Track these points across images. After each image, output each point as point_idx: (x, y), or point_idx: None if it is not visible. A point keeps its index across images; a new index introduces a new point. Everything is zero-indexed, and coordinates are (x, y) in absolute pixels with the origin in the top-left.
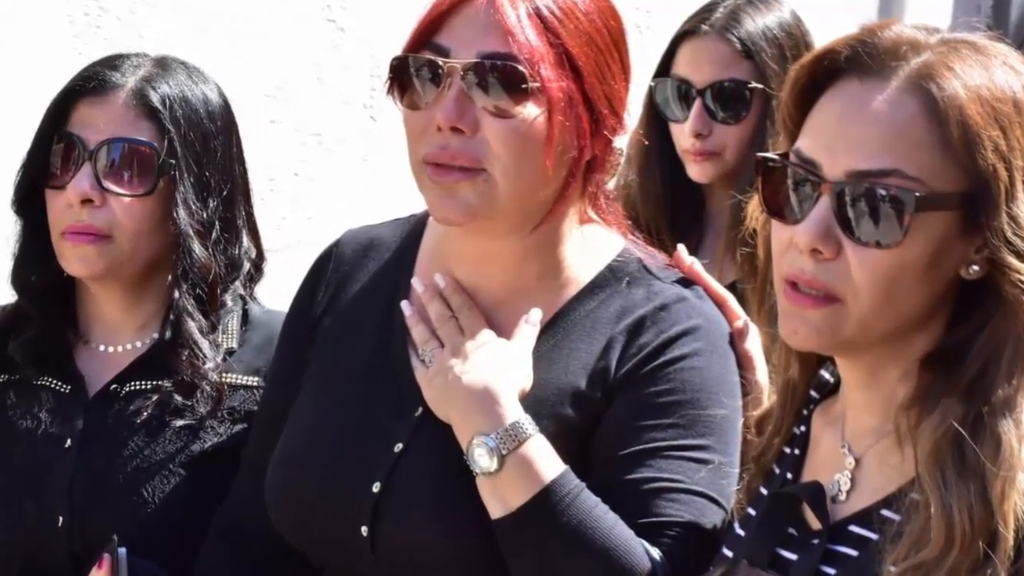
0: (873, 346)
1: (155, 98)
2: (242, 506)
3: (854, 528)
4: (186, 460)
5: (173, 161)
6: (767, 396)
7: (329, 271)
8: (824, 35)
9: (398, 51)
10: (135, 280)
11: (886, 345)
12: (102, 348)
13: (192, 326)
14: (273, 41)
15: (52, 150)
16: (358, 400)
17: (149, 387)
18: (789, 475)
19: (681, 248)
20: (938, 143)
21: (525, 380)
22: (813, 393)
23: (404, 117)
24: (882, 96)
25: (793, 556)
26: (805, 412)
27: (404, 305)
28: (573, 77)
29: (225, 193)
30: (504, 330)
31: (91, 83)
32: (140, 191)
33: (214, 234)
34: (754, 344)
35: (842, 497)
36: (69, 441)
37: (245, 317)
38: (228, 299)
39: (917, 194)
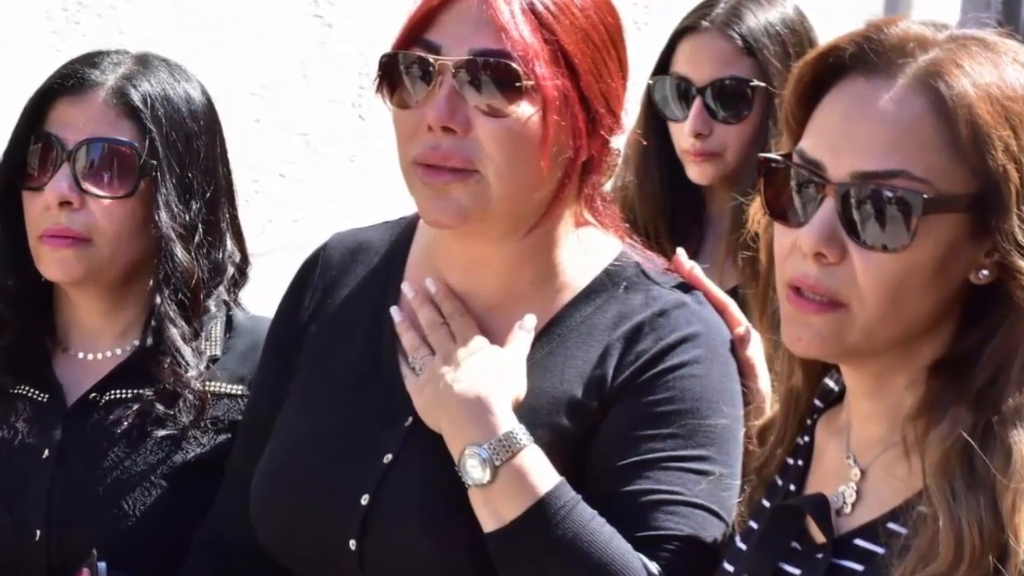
0: (879, 353)
1: (136, 97)
2: (226, 519)
3: (859, 542)
4: (168, 471)
5: (154, 162)
6: (769, 405)
7: (316, 276)
8: (828, 31)
9: (387, 48)
10: (115, 285)
11: (893, 352)
12: (81, 355)
13: (174, 333)
14: (258, 38)
15: (29, 150)
16: (346, 409)
17: (130, 396)
18: (792, 487)
19: (680, 252)
20: (946, 143)
21: (519, 388)
22: (817, 402)
23: (394, 116)
24: (888, 95)
25: (796, 571)
26: (809, 422)
27: (394, 311)
28: (569, 75)
29: (208, 195)
30: (497, 337)
31: (70, 81)
32: (120, 193)
33: (197, 237)
34: (756, 351)
35: (847, 510)
36: (47, 452)
37: (229, 323)
38: (211, 305)
39: (925, 196)
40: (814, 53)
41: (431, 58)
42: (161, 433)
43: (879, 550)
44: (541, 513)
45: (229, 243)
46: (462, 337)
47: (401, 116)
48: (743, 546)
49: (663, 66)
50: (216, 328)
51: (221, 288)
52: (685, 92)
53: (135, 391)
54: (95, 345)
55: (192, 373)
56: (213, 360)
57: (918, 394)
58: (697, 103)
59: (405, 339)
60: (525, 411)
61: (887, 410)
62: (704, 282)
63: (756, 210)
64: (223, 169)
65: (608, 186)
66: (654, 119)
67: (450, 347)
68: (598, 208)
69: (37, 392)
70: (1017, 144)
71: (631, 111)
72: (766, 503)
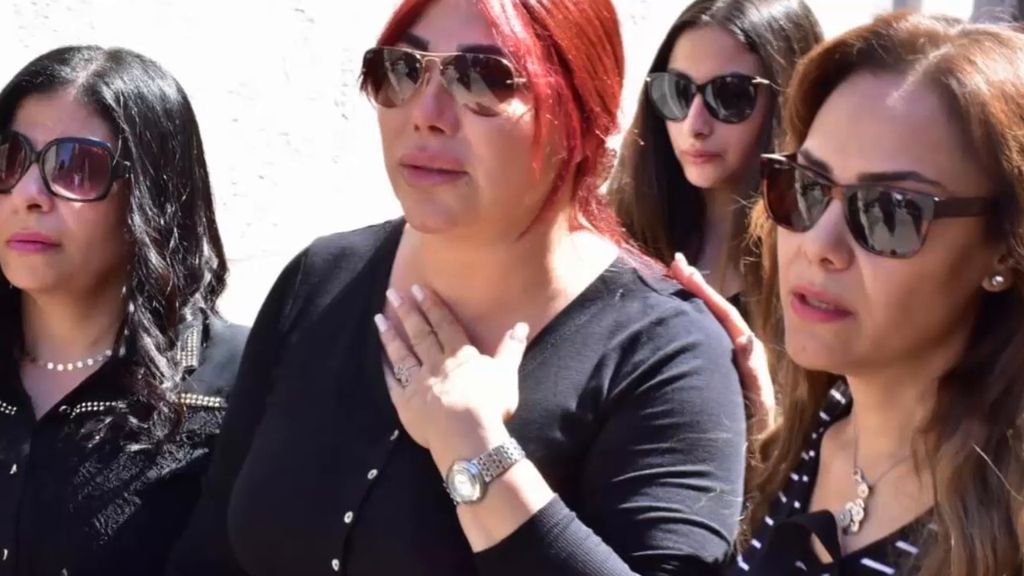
0: (888, 364)
1: (108, 95)
2: (202, 537)
3: (867, 562)
4: (142, 488)
5: (128, 163)
6: (773, 418)
7: (297, 283)
8: (835, 27)
9: (372, 43)
10: (86, 292)
11: (902, 363)
12: (51, 366)
13: (148, 342)
14: (237, 33)
15: None
16: (329, 423)
17: (102, 408)
18: (797, 504)
19: (680, 258)
20: (959, 143)
21: (510, 401)
22: (823, 415)
23: (379, 115)
24: (898, 92)
25: None
26: (814, 436)
27: (379, 319)
28: (562, 72)
29: (184, 198)
30: (487, 346)
31: (39, 78)
32: (92, 195)
33: (172, 242)
34: (759, 362)
35: (854, 528)
36: (15, 467)
37: (206, 332)
38: (187, 313)
39: (936, 199)
40: (820, 49)
41: (418, 54)
42: (135, 447)
43: (888, 570)
44: (533, 531)
45: (206, 248)
46: (450, 347)
47: (387, 115)
48: (745, 566)
49: (661, 62)
50: (192, 337)
51: (198, 295)
52: (684, 90)
53: (107, 403)
54: (65, 355)
55: (167, 384)
56: (189, 371)
57: (929, 407)
58: (697, 101)
59: (391, 349)
60: (516, 424)
61: (896, 423)
62: (704, 289)
63: (759, 214)
64: (200, 170)
65: (604, 188)
66: (652, 118)
67: (438, 357)
68: (593, 211)
69: (4, 405)
70: None
71: (628, 110)
72: (769, 521)
